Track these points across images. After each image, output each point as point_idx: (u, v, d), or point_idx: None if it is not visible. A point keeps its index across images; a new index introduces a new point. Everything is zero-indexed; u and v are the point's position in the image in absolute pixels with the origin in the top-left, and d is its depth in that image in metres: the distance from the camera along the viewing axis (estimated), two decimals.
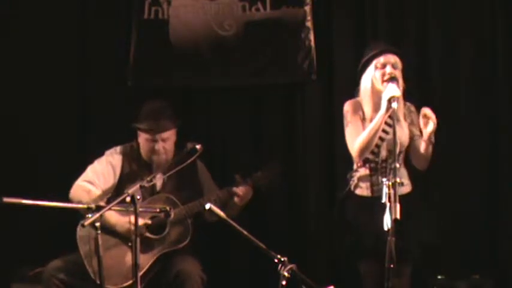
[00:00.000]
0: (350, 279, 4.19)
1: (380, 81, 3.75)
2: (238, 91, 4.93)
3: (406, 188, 3.84)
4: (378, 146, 3.75)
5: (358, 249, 3.79)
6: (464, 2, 4.76)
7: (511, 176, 4.65)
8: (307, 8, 4.80)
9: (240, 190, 4.16)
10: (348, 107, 3.89)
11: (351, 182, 3.89)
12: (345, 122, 3.88)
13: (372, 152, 3.77)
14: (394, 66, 3.78)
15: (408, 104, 3.92)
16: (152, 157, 4.15)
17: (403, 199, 3.54)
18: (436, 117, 3.84)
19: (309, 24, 4.81)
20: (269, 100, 4.94)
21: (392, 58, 3.80)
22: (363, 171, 3.84)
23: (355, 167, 3.88)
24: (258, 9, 4.85)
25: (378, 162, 3.78)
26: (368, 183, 3.81)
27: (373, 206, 3.61)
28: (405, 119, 3.87)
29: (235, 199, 4.15)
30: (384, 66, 3.78)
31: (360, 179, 3.85)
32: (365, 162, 3.83)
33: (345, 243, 3.88)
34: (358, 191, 3.86)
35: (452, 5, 4.76)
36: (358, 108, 3.85)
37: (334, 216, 3.98)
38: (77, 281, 3.93)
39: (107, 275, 3.61)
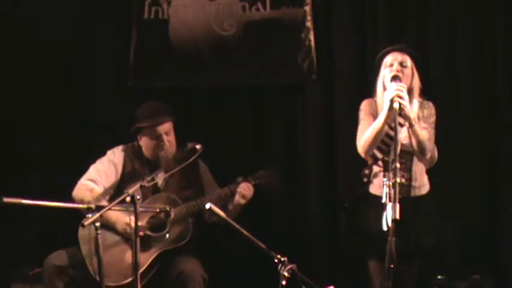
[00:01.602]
0: (350, 279, 4.20)
1: (388, 79, 3.74)
2: (238, 91, 4.93)
3: (422, 190, 3.83)
4: (387, 145, 3.74)
5: (366, 249, 3.79)
6: (464, 2, 4.76)
7: (511, 176, 4.65)
8: (307, 8, 4.80)
9: (242, 189, 4.16)
10: (363, 105, 3.89)
11: (365, 179, 3.88)
12: (359, 120, 3.89)
13: (382, 151, 3.76)
14: (402, 64, 3.77)
15: (424, 101, 3.89)
16: (160, 154, 4.15)
17: (419, 200, 3.54)
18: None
19: (309, 24, 4.81)
20: (269, 100, 4.94)
21: (400, 56, 3.79)
22: (376, 168, 3.84)
23: (369, 163, 3.87)
24: (258, 9, 4.85)
25: (389, 161, 3.76)
26: (380, 181, 3.79)
27: (383, 206, 3.60)
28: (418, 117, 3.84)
29: (237, 198, 4.15)
30: (391, 64, 3.78)
31: (374, 176, 3.85)
32: (376, 160, 3.82)
33: (354, 242, 3.89)
34: (372, 189, 3.85)
35: (452, 5, 4.76)
36: (372, 108, 3.85)
37: (345, 215, 3.98)
38: (77, 273, 3.94)
39: (107, 272, 3.62)
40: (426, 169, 3.88)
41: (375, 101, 3.86)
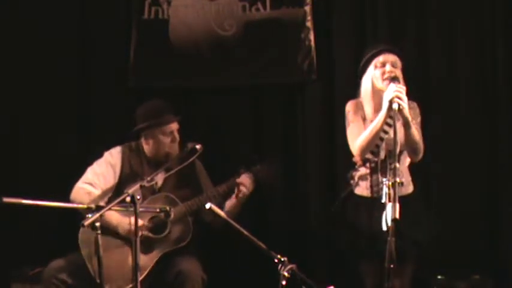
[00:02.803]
0: (350, 279, 4.20)
1: (380, 80, 3.75)
2: (238, 91, 4.93)
3: (408, 189, 3.84)
4: (377, 146, 3.75)
5: (356, 249, 3.79)
6: (464, 2, 4.76)
7: (511, 176, 4.65)
8: (307, 8, 4.81)
9: (241, 179, 4.12)
10: (349, 107, 3.89)
11: (352, 181, 3.89)
12: (347, 122, 3.89)
13: (371, 152, 3.77)
14: (393, 65, 3.78)
15: (409, 101, 3.89)
16: (170, 151, 4.13)
17: (405, 199, 3.54)
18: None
19: (309, 24, 4.81)
20: (269, 100, 4.94)
21: (392, 57, 3.80)
22: (363, 170, 3.85)
23: (357, 165, 3.87)
24: (258, 9, 4.85)
25: (378, 162, 3.77)
26: (368, 183, 3.81)
27: (372, 206, 3.62)
28: None
29: (240, 188, 4.09)
30: (383, 65, 3.78)
31: (360, 178, 3.86)
32: (365, 161, 3.83)
33: (345, 243, 3.89)
34: (357, 190, 3.86)
35: (452, 5, 4.76)
36: (359, 109, 3.86)
37: (334, 216, 3.98)
38: (78, 281, 3.92)
39: (109, 277, 3.60)
40: (409, 167, 3.89)
41: (360, 102, 3.87)
